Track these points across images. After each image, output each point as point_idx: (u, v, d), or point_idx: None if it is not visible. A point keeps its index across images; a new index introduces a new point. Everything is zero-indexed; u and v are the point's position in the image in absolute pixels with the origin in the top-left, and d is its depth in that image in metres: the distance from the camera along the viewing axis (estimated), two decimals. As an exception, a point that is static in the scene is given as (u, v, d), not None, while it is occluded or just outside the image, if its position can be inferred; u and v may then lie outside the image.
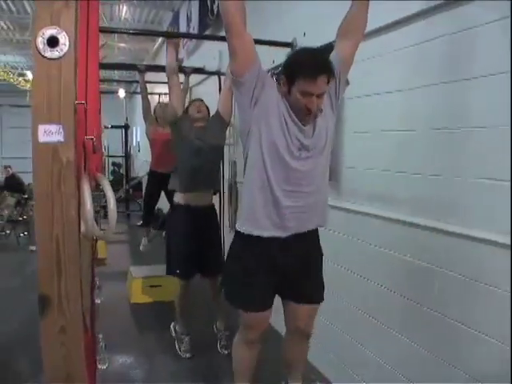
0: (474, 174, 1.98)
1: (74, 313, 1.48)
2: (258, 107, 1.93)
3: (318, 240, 2.28)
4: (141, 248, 6.04)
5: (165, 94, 7.28)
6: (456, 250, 2.08)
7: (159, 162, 5.66)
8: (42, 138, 1.40)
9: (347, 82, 2.10)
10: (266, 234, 2.07)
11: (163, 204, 9.13)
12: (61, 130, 1.41)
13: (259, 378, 2.54)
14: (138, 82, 9.19)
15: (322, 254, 2.30)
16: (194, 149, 3.34)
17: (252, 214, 2.08)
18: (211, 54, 5.37)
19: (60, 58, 1.39)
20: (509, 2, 1.77)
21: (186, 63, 6.48)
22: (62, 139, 1.41)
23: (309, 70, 1.87)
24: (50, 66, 1.39)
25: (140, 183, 10.86)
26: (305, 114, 1.95)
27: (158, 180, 5.63)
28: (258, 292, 2.17)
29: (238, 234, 2.18)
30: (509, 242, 1.78)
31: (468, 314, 2.03)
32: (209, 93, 4.22)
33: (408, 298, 2.38)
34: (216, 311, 3.78)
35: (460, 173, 2.06)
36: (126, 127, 10.96)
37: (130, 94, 11.65)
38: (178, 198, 3.50)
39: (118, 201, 9.30)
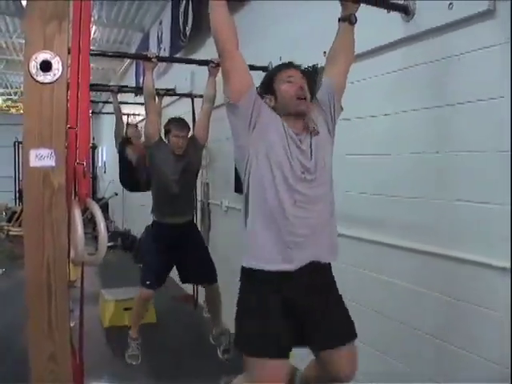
0: (457, 196, 2.07)
1: (63, 339, 1.46)
2: (256, 131, 1.86)
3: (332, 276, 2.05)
4: None
5: (133, 114, 7.25)
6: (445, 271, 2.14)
7: None
8: (34, 162, 1.38)
9: (341, 108, 2.08)
10: (274, 267, 1.87)
11: (131, 225, 9.06)
12: (52, 154, 1.40)
13: None
14: (104, 102, 9.16)
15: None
16: (172, 179, 3.48)
17: (256, 244, 1.91)
18: (183, 75, 5.38)
19: (53, 82, 1.38)
20: (489, 34, 1.89)
21: (156, 84, 6.44)
22: (54, 164, 1.40)
23: (281, 65, 2.10)
24: (42, 91, 1.38)
25: (107, 204, 10.70)
26: (298, 103, 1.92)
27: None
28: (277, 330, 1.86)
29: (244, 272, 1.97)
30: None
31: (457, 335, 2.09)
32: (180, 115, 4.23)
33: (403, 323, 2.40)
34: (211, 321, 3.90)
35: (443, 196, 2.14)
36: (94, 147, 10.85)
37: (96, 114, 11.53)
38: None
39: (85, 222, 9.09)
